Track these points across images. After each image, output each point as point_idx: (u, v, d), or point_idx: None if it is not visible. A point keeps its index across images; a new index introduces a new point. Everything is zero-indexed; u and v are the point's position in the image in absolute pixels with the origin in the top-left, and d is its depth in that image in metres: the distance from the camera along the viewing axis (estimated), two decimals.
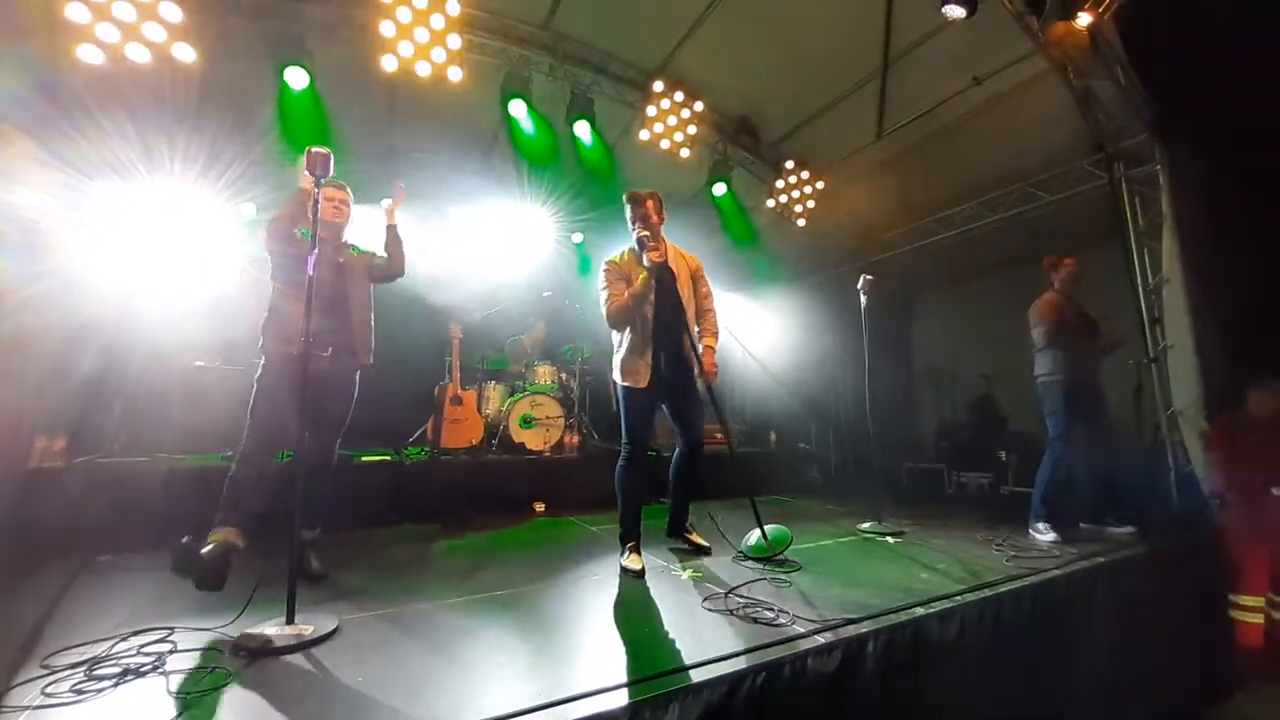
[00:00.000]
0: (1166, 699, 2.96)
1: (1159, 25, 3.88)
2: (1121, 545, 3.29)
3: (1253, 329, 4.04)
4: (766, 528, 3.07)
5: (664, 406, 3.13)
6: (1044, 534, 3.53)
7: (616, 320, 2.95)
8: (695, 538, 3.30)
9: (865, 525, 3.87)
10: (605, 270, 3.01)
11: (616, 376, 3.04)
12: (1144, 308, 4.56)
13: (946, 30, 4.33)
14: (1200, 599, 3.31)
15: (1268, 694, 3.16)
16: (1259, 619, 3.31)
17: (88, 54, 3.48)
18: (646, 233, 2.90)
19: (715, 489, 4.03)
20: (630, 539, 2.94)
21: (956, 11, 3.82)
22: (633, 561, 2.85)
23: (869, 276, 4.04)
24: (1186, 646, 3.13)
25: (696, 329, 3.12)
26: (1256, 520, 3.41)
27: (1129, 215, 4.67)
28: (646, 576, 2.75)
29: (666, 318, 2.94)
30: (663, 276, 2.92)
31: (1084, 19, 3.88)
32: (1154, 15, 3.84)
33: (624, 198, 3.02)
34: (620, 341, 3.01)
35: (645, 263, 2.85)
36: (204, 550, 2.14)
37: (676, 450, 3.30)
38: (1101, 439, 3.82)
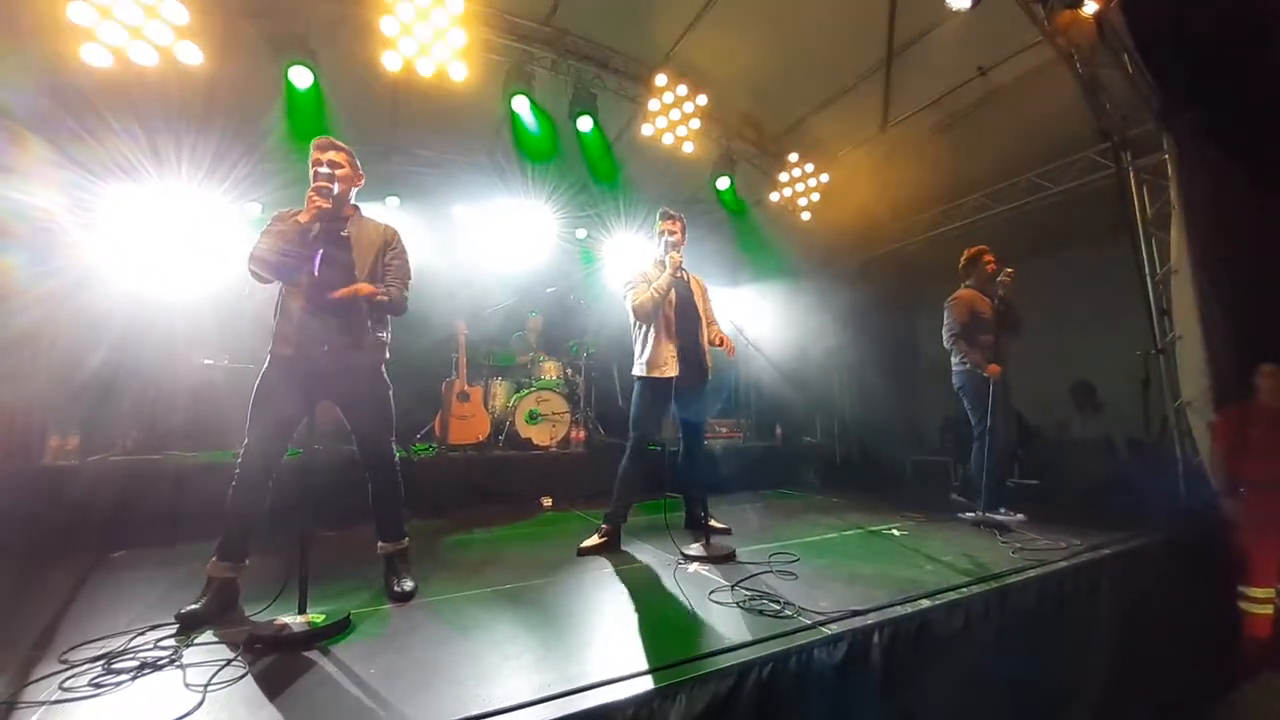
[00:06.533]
0: (1172, 691, 2.96)
1: (1167, 11, 3.83)
2: (1129, 537, 3.27)
3: (1263, 319, 4.00)
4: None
5: (675, 403, 3.37)
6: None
7: (643, 313, 3.23)
8: (714, 523, 3.35)
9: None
10: (634, 274, 3.32)
11: (641, 372, 3.28)
12: (1152, 298, 4.53)
13: (951, 20, 4.29)
14: (1208, 591, 3.30)
15: (1276, 686, 3.15)
16: (1268, 610, 3.29)
17: (93, 55, 3.48)
18: (675, 237, 3.31)
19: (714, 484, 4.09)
20: (609, 523, 3.20)
21: (961, 3, 3.80)
22: (589, 540, 3.13)
23: (1010, 270, 3.99)
24: (1193, 639, 3.12)
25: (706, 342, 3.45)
26: (1266, 511, 3.38)
27: (1136, 205, 4.63)
28: (654, 570, 2.78)
29: (685, 324, 3.31)
30: (680, 286, 3.31)
31: (1091, 6, 3.84)
32: (1162, 1, 3.80)
33: (659, 213, 3.38)
34: (645, 340, 3.29)
35: (667, 263, 3.21)
36: (199, 602, 2.14)
37: (681, 447, 3.56)
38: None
